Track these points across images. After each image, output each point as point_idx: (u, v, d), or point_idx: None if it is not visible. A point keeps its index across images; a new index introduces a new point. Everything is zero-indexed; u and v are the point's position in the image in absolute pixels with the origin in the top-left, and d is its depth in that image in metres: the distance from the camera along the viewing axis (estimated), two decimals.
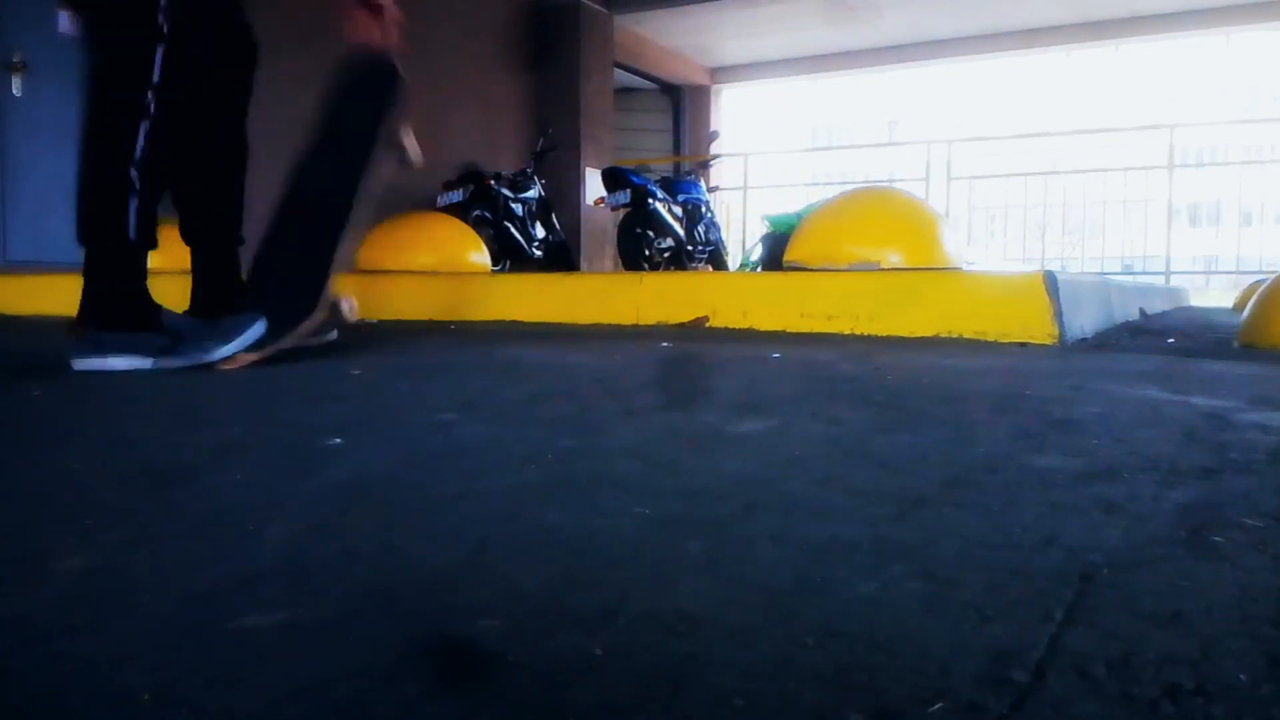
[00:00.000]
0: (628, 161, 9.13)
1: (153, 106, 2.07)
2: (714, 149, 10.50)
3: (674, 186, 7.44)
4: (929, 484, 1.00)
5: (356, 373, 1.99)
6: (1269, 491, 0.97)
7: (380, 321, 3.39)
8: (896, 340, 2.58)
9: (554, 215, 7.58)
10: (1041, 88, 38.80)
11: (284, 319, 2.10)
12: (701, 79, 12.47)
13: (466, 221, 5.63)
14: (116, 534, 0.86)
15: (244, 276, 2.39)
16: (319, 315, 2.15)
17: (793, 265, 3.20)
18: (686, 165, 10.52)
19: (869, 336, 2.67)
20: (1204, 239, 17.66)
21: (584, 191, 9.02)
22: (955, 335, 2.64)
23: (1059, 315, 2.53)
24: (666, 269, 6.83)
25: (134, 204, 2.06)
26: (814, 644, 0.60)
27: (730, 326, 2.95)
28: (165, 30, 2.07)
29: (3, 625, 0.65)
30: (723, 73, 12.63)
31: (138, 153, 2.06)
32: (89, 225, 2.08)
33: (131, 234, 2.07)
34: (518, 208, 7.11)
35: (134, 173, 2.05)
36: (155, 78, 2.07)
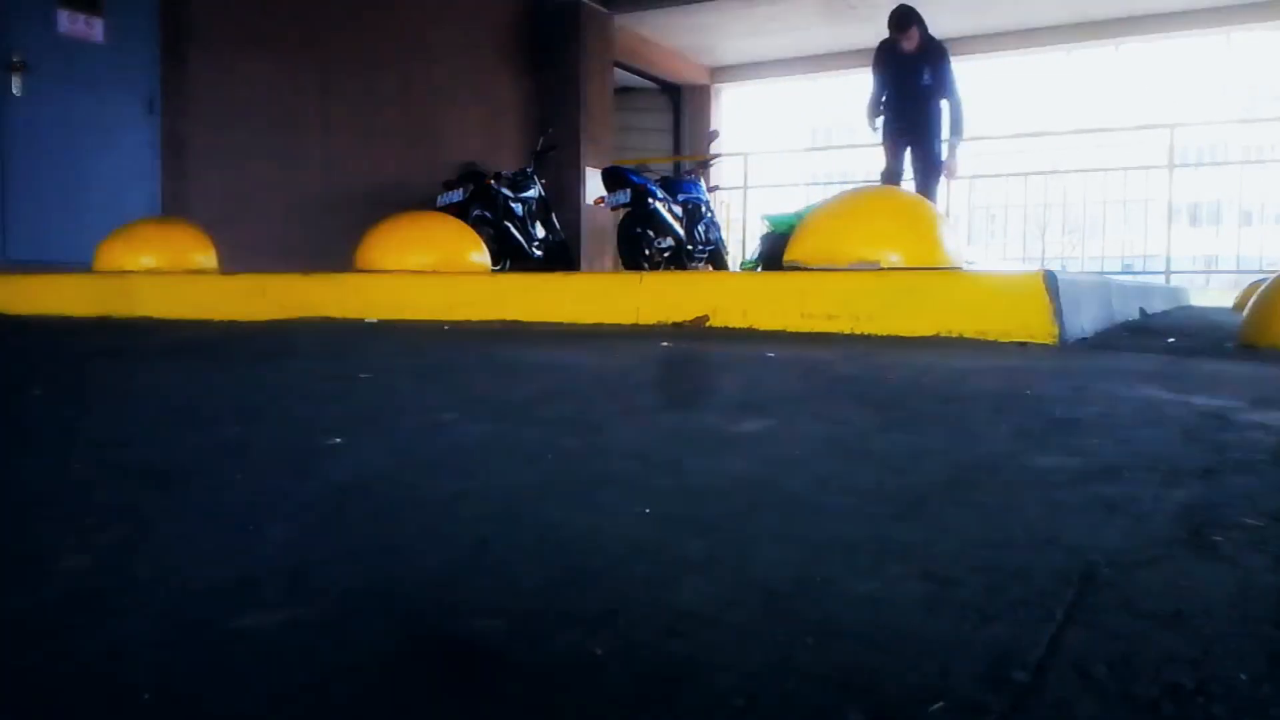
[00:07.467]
0: (628, 161, 9.12)
1: None
2: (714, 149, 10.48)
3: (674, 186, 7.43)
4: (929, 484, 1.00)
5: (357, 373, 1.99)
6: (1269, 491, 0.97)
7: (380, 321, 3.39)
8: (896, 340, 2.58)
9: (554, 215, 7.57)
10: (1041, 88, 38.74)
11: None
12: (701, 78, 12.45)
13: (466, 221, 5.62)
14: (116, 534, 0.86)
15: None
16: None
17: (793, 265, 3.20)
18: (686, 165, 10.49)
19: (869, 336, 2.67)
20: (1204, 239, 17.63)
21: (584, 191, 9.01)
22: (955, 335, 2.63)
23: (1059, 315, 2.52)
24: (666, 269, 6.82)
25: None
26: (814, 644, 0.60)
27: (730, 326, 2.94)
28: None
29: (3, 625, 0.65)
30: (723, 72, 12.61)
31: None
32: None
33: None
34: (518, 207, 7.10)
35: None
36: None
